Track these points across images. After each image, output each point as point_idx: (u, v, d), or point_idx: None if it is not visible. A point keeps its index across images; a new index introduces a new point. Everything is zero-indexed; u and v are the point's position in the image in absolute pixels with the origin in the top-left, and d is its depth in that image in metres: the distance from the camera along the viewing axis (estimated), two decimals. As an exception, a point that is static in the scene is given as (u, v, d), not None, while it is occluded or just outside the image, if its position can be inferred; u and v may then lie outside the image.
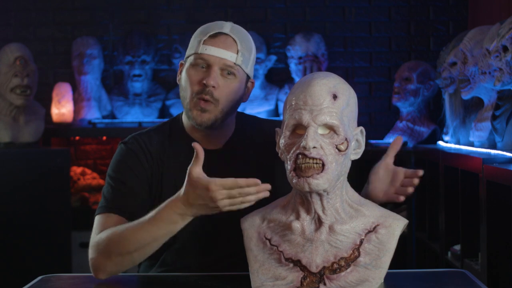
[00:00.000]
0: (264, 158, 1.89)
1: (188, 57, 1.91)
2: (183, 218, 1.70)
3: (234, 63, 1.87)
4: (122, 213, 1.85)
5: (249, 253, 1.69)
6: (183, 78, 1.92)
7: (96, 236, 1.82)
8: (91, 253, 1.80)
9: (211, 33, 1.87)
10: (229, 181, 1.63)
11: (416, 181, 1.84)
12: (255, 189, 1.62)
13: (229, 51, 1.87)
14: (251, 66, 1.93)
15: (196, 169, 1.66)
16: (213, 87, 1.85)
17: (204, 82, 1.85)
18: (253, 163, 1.94)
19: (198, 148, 1.67)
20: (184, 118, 1.98)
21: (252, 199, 1.64)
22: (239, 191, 1.63)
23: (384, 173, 1.85)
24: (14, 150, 3.91)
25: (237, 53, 1.87)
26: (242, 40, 1.89)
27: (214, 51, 1.86)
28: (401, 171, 1.85)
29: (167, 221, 1.71)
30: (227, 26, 1.89)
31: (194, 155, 1.67)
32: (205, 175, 1.66)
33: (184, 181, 1.90)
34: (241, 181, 1.62)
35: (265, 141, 1.83)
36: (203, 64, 1.87)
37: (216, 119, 1.88)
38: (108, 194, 1.90)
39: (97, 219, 1.87)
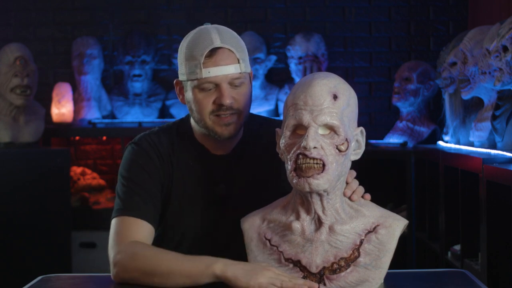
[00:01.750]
0: (272, 160, 1.88)
1: (189, 80, 1.86)
2: (217, 265, 1.64)
3: (240, 73, 1.84)
4: (140, 215, 1.83)
5: (249, 253, 1.69)
6: (191, 101, 1.87)
7: (126, 240, 1.78)
8: (113, 256, 1.76)
9: (206, 53, 1.82)
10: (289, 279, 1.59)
11: None
12: (302, 281, 1.58)
13: (231, 65, 1.83)
14: (248, 62, 1.91)
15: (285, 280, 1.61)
16: (231, 103, 1.83)
17: (221, 102, 1.82)
18: (261, 166, 1.92)
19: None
20: (193, 122, 1.94)
21: (289, 285, 1.57)
22: (289, 278, 1.58)
23: None
24: (14, 150, 3.91)
25: (238, 62, 1.84)
26: (236, 46, 1.85)
27: (218, 71, 1.82)
28: None
29: (202, 261, 1.67)
30: (216, 37, 1.83)
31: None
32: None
33: (192, 191, 1.88)
34: (300, 284, 1.58)
35: (272, 143, 1.82)
36: (211, 86, 1.83)
37: (240, 126, 1.88)
38: (123, 196, 1.87)
39: (117, 221, 1.83)
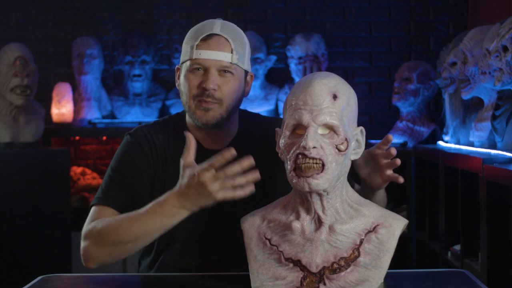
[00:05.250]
0: (267, 158, 1.88)
1: (183, 62, 1.91)
2: (180, 212, 1.70)
3: (230, 63, 1.87)
4: (118, 208, 1.85)
5: (249, 253, 1.69)
6: (181, 83, 1.91)
7: (89, 225, 1.82)
8: (82, 241, 1.81)
9: (203, 36, 1.86)
10: (206, 162, 1.64)
11: (397, 161, 1.84)
12: (239, 167, 1.62)
13: (223, 52, 1.86)
14: (248, 61, 1.93)
15: (187, 160, 1.67)
16: (214, 89, 1.85)
17: (204, 86, 1.85)
18: (256, 163, 1.93)
19: (190, 138, 1.68)
20: (187, 117, 1.97)
21: (242, 181, 1.63)
22: (225, 172, 1.62)
23: (368, 160, 1.87)
24: (14, 150, 3.91)
25: (231, 52, 1.87)
26: (234, 38, 1.88)
27: (208, 55, 1.85)
28: (377, 151, 1.85)
29: (163, 214, 1.71)
30: (217, 26, 1.88)
31: (186, 146, 1.68)
32: (196, 164, 1.66)
33: None
34: (217, 158, 1.62)
35: (268, 141, 1.83)
36: (200, 68, 1.87)
37: (222, 117, 1.89)
38: (106, 186, 1.90)
39: (92, 210, 1.88)
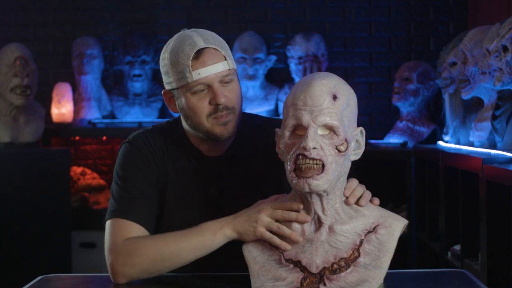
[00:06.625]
0: (265, 161, 1.87)
1: (178, 88, 1.85)
2: (222, 229, 1.71)
3: (229, 69, 1.85)
4: (136, 219, 1.82)
5: (248, 254, 1.69)
6: (186, 108, 1.86)
7: (124, 241, 1.78)
8: (111, 257, 1.77)
9: (192, 55, 1.81)
10: (279, 201, 1.69)
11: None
12: (295, 217, 1.65)
13: (219, 63, 1.83)
14: (233, 58, 1.91)
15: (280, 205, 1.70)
16: (225, 101, 1.83)
17: (216, 102, 1.82)
18: (255, 168, 1.92)
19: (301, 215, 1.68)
20: (185, 125, 1.93)
21: (286, 233, 1.64)
22: (282, 213, 1.66)
23: None
24: (14, 150, 3.91)
25: (225, 59, 1.85)
26: (218, 44, 1.86)
27: (207, 71, 1.82)
28: None
29: (207, 230, 1.73)
30: (198, 39, 1.83)
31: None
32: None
33: (186, 193, 1.88)
34: (287, 205, 1.67)
35: (266, 143, 1.82)
36: (203, 87, 1.83)
37: (237, 124, 1.88)
38: (118, 196, 1.86)
39: (111, 223, 1.82)
